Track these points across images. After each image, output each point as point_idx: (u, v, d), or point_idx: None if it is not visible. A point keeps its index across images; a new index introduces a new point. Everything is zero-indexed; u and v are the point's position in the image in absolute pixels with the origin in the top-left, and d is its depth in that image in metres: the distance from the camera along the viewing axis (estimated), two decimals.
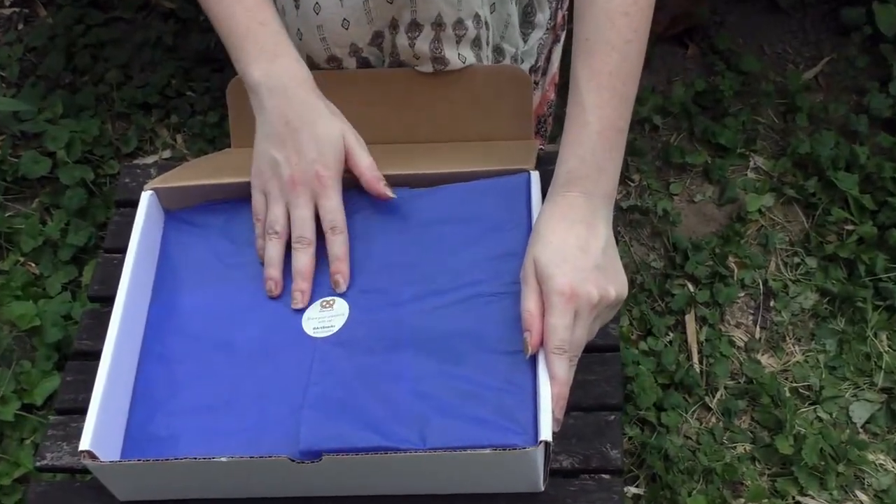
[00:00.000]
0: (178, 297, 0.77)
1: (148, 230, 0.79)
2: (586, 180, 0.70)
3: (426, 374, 0.69)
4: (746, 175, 1.49)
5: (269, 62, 0.75)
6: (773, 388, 1.30)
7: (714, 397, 1.31)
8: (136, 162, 1.48)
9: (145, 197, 0.80)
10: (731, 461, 1.25)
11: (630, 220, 1.44)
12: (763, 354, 1.35)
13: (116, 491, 0.71)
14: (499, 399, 0.67)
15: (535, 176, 0.78)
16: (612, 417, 0.75)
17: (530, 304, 0.67)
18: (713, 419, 1.30)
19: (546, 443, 0.65)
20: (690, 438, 1.28)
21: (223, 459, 0.65)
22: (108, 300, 0.77)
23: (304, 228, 0.74)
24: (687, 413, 1.30)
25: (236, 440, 0.69)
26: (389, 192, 0.75)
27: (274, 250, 0.75)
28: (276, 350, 0.73)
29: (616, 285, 0.68)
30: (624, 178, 1.46)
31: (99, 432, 0.68)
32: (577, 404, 0.73)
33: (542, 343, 0.67)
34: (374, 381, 0.69)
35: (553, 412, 0.65)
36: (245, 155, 0.81)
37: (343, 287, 0.74)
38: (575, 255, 0.67)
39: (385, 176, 0.76)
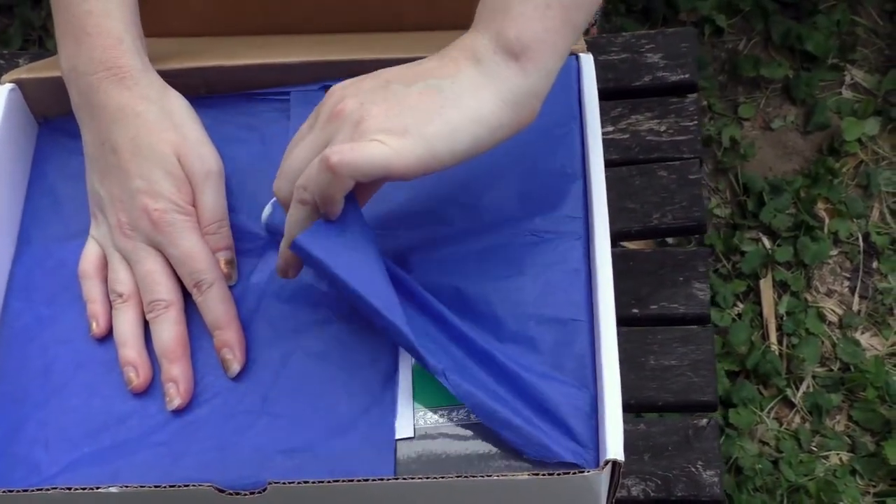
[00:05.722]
0: (58, 246, 0.73)
1: (8, 145, 0.75)
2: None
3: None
4: (841, 94, 1.48)
5: (76, 44, 0.72)
6: (878, 378, 1.29)
7: (799, 389, 1.31)
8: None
9: (2, 93, 0.76)
10: (826, 476, 1.25)
11: None
12: (864, 333, 1.34)
13: None
14: (541, 392, 0.61)
15: (588, 60, 0.73)
16: (705, 422, 0.73)
17: None
18: (797, 418, 1.30)
19: (615, 463, 0.58)
20: (768, 444, 1.28)
21: (113, 490, 0.59)
22: None
23: (156, 287, 0.67)
24: (763, 410, 1.29)
25: (149, 459, 0.63)
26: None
27: (125, 322, 0.67)
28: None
29: None
30: None
31: None
32: (651, 402, 0.71)
33: None
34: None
35: None
36: (165, 44, 0.77)
37: (236, 369, 0.66)
38: None
39: (353, 64, 0.69)
